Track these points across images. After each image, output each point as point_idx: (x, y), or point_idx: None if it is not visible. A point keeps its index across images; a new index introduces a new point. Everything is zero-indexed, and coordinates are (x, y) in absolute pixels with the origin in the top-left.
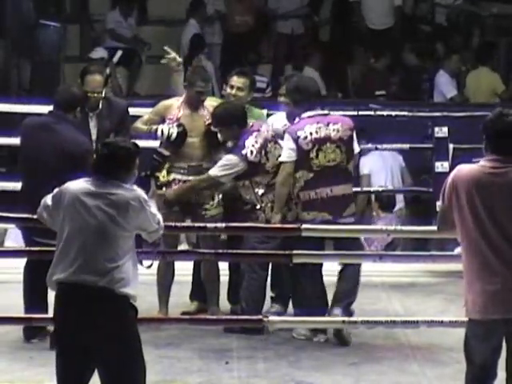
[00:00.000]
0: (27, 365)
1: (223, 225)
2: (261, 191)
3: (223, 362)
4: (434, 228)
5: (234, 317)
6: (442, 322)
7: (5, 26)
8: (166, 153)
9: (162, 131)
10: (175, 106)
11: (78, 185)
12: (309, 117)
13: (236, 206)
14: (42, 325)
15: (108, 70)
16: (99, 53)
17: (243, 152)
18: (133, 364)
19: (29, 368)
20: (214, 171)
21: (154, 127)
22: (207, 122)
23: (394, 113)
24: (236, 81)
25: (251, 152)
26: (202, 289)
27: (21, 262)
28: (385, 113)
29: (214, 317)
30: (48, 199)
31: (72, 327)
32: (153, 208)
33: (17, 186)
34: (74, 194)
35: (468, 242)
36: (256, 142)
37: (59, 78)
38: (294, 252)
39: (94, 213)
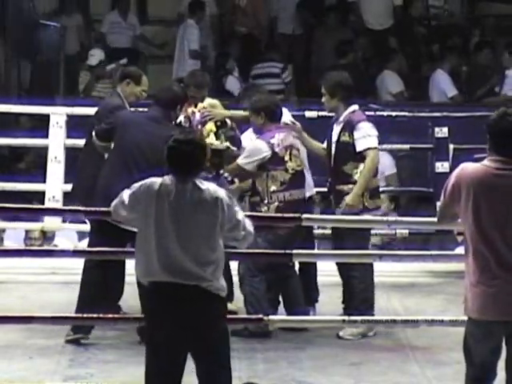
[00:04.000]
0: (27, 365)
1: None
2: (273, 187)
3: None
4: (434, 219)
5: (234, 317)
6: (442, 321)
7: (5, 25)
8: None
9: None
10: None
11: (163, 181)
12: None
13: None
14: (90, 324)
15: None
16: (96, 57)
17: (271, 141)
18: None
19: (29, 368)
20: (240, 159)
21: None
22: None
23: (394, 113)
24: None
25: (278, 144)
26: None
27: (20, 262)
28: (385, 113)
29: None
30: (125, 196)
31: (168, 325)
32: (241, 212)
33: (16, 186)
34: (156, 191)
35: (469, 243)
36: (285, 139)
37: (59, 78)
38: (294, 252)
39: (181, 211)
